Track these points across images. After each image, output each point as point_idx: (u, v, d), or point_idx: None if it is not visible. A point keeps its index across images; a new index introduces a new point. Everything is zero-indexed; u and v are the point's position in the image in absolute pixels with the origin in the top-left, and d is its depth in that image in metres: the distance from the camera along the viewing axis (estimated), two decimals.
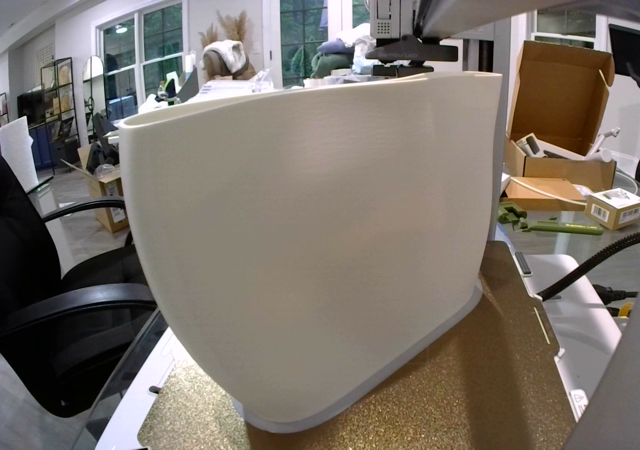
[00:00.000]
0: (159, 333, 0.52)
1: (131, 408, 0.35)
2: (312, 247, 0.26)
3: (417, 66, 0.43)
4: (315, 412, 0.31)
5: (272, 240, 0.24)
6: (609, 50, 1.58)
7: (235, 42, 3.06)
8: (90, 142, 3.50)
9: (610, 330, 0.41)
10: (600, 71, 1.35)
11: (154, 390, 0.36)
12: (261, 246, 0.24)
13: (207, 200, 0.22)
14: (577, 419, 0.29)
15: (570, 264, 0.51)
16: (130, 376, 0.43)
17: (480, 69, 0.47)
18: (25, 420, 1.09)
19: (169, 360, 0.39)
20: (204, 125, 0.21)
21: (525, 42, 1.32)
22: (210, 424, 0.31)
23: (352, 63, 2.50)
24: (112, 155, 2.26)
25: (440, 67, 0.40)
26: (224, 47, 2.96)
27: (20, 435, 1.05)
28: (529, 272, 0.46)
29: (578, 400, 0.31)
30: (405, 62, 0.44)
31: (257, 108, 0.22)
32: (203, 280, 0.24)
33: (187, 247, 0.22)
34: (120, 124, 0.21)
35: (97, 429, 0.42)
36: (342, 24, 3.31)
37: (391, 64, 0.44)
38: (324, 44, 2.76)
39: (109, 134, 1.98)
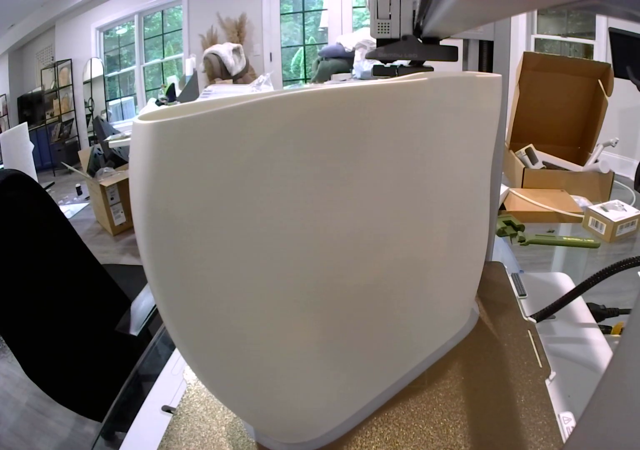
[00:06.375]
0: (163, 339, 0.54)
1: (145, 427, 0.37)
2: (320, 278, 0.27)
3: (417, 66, 0.43)
4: (321, 433, 0.33)
5: (279, 261, 0.24)
6: (609, 53, 1.59)
7: (235, 45, 3.07)
8: (90, 144, 3.51)
9: (602, 350, 0.43)
10: (599, 81, 1.37)
11: (166, 409, 0.38)
12: (269, 264, 0.23)
13: (219, 203, 0.21)
14: (564, 440, 0.31)
15: (566, 283, 0.53)
16: (141, 386, 0.44)
17: (480, 69, 0.47)
18: (27, 424, 1.10)
19: (179, 379, 0.41)
20: (230, 120, 0.20)
21: (524, 53, 1.33)
22: (224, 445, 0.33)
23: (352, 67, 2.52)
24: (112, 159, 2.27)
25: (440, 67, 0.39)
26: (224, 50, 2.97)
27: (23, 438, 1.06)
28: (525, 294, 0.48)
29: (566, 422, 0.33)
30: (405, 62, 0.44)
31: (285, 103, 0.21)
32: (207, 291, 0.23)
33: (194, 251, 0.21)
34: (135, 120, 0.21)
35: (108, 439, 0.44)
36: (342, 25, 3.32)
37: (391, 64, 0.44)
38: (324, 48, 2.78)
39: (110, 138, 1.99)
